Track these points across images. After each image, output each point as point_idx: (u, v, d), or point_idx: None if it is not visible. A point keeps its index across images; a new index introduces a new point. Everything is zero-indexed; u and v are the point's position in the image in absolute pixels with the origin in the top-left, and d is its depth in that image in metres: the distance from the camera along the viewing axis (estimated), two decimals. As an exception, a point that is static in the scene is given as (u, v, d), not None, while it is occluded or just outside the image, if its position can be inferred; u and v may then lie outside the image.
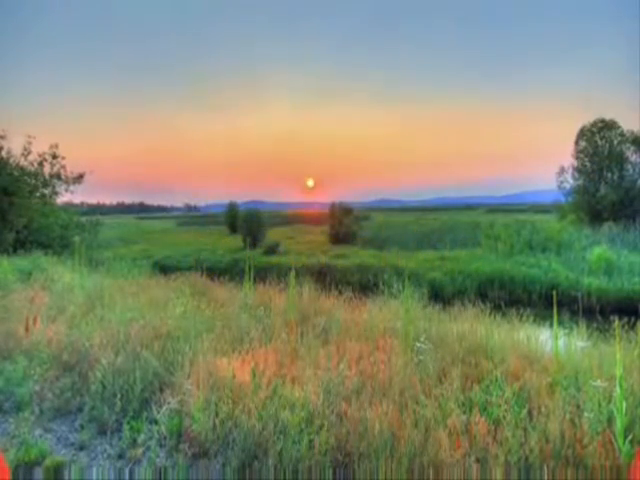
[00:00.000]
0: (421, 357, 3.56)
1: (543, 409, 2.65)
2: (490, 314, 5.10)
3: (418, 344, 3.79)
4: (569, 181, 23.25)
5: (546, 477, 2.11)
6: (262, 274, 7.14)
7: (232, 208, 32.86)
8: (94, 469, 2.55)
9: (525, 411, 2.62)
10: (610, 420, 2.45)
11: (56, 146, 15.36)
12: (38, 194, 15.27)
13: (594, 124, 22.54)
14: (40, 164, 15.10)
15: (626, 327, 4.03)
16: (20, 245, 12.16)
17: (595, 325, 4.41)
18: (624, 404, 2.35)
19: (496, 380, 3.07)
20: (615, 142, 21.95)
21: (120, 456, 2.72)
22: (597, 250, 13.62)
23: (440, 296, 7.07)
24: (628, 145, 21.84)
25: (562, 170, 23.40)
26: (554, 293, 3.75)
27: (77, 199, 16.95)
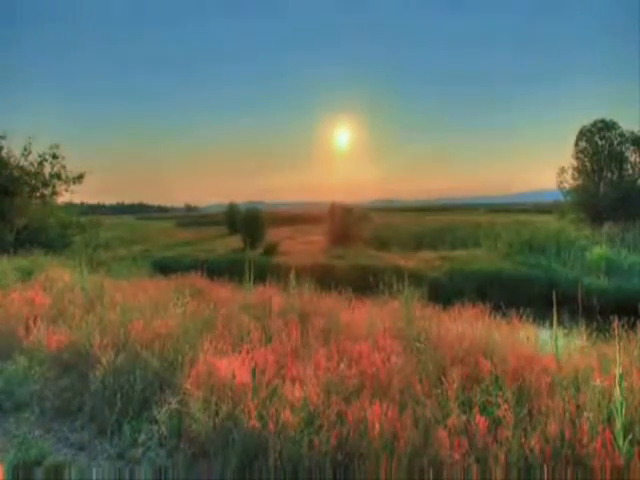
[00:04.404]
0: (421, 357, 3.56)
1: (543, 409, 2.65)
2: (490, 314, 5.10)
3: (418, 344, 3.79)
4: (569, 181, 23.32)
5: (546, 477, 2.12)
6: (262, 274, 7.13)
7: (232, 208, 32.86)
8: (94, 469, 2.55)
9: (525, 411, 2.63)
10: (610, 420, 2.45)
11: (56, 146, 15.38)
12: (38, 194, 15.28)
13: (594, 124, 22.60)
14: (40, 164, 15.11)
15: (626, 327, 4.03)
16: (20, 245, 12.16)
17: (595, 325, 4.40)
18: (624, 404, 2.35)
19: (496, 380, 3.07)
20: (615, 142, 22.00)
21: (120, 456, 2.72)
22: (597, 250, 13.64)
23: (440, 296, 7.07)
24: (628, 145, 21.88)
25: (562, 170, 23.46)
26: (554, 293, 3.75)
27: (77, 199, 16.96)
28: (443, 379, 3.05)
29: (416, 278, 7.20)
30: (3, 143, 14.53)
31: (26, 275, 7.72)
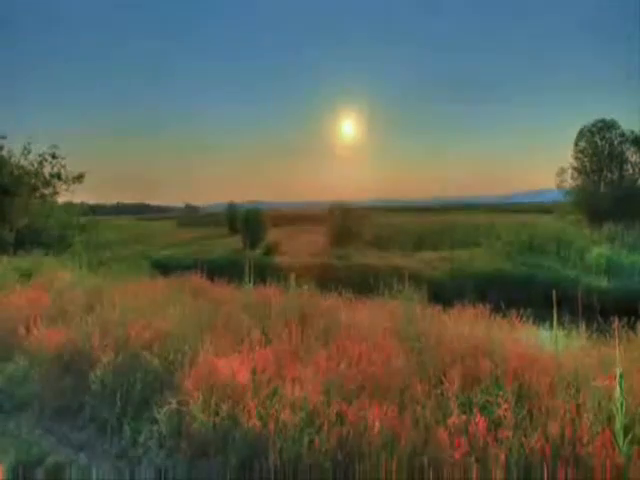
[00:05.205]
0: (421, 357, 3.56)
1: (543, 409, 2.65)
2: (490, 314, 5.09)
3: (418, 344, 3.79)
4: (569, 181, 23.32)
5: (546, 477, 2.12)
6: (262, 274, 7.12)
7: (232, 208, 32.88)
8: (94, 469, 2.55)
9: (525, 411, 2.63)
10: (610, 420, 2.45)
11: (56, 146, 15.38)
12: (38, 194, 15.27)
13: (594, 124, 22.59)
14: (40, 164, 15.11)
15: (626, 327, 4.03)
16: (20, 245, 12.16)
17: (595, 325, 4.40)
18: (624, 404, 2.35)
19: (496, 380, 3.07)
20: (615, 142, 21.99)
21: (120, 456, 2.72)
22: (597, 250, 13.64)
23: (440, 296, 7.07)
24: (628, 145, 21.88)
25: (562, 170, 23.46)
26: (554, 293, 3.75)
27: (77, 199, 16.93)
28: (443, 379, 3.05)
29: (416, 278, 7.20)
30: (3, 143, 14.54)
31: (26, 275, 7.72)
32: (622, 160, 21.80)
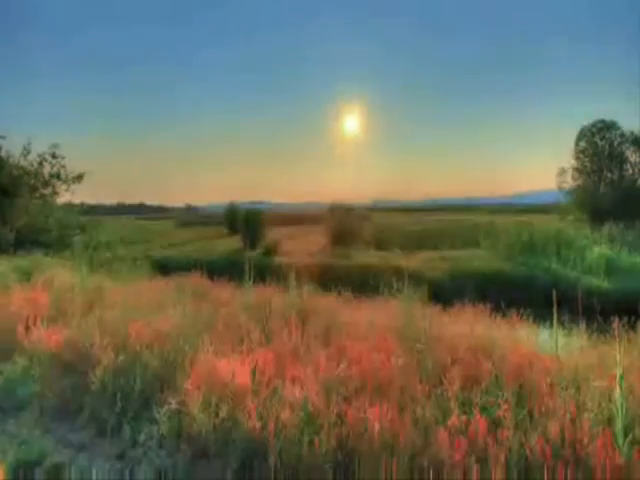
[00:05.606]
0: (421, 357, 3.56)
1: (543, 409, 2.65)
2: (490, 314, 5.09)
3: (418, 344, 3.79)
4: (569, 181, 23.36)
5: (546, 477, 2.12)
6: (262, 274, 7.12)
7: (232, 208, 32.85)
8: (94, 469, 2.55)
9: (525, 411, 2.62)
10: (610, 420, 2.45)
11: (56, 146, 15.37)
12: (38, 194, 15.26)
13: (594, 124, 22.63)
14: (40, 164, 15.10)
15: (626, 327, 4.03)
16: (20, 245, 12.14)
17: (595, 325, 4.40)
18: (624, 404, 2.35)
19: (496, 380, 3.07)
20: (615, 142, 22.03)
21: (120, 456, 2.72)
22: (597, 250, 13.64)
23: (440, 296, 7.07)
24: (628, 145, 21.91)
25: (562, 171, 23.49)
26: (554, 293, 3.74)
27: (77, 199, 16.90)
28: (443, 379, 3.05)
29: (416, 278, 7.20)
30: (2, 143, 14.52)
31: (26, 275, 7.71)
32: (622, 160, 21.85)
